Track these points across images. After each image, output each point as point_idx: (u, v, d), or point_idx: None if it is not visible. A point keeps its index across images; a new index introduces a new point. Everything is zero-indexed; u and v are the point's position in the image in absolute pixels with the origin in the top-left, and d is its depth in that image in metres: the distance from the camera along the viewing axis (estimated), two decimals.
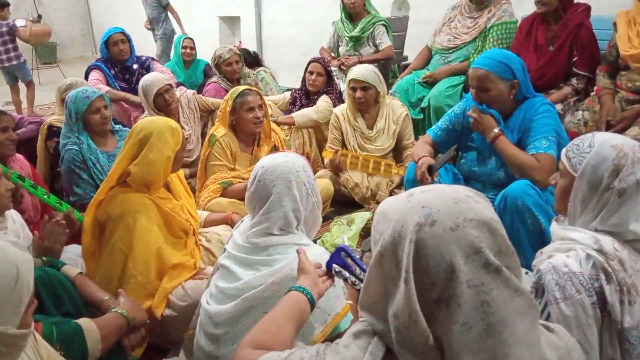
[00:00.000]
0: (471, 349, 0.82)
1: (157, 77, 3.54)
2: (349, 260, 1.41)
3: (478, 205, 0.88)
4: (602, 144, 1.37)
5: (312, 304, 1.32)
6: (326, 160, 3.48)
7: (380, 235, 0.92)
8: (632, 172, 1.32)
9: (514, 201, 2.13)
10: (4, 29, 5.97)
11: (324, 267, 1.46)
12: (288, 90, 4.30)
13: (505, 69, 2.27)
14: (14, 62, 6.06)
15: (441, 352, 0.85)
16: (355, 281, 1.39)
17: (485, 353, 0.81)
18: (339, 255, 1.41)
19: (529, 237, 2.14)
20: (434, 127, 2.71)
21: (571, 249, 1.34)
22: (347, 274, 1.39)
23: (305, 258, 1.42)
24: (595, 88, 3.08)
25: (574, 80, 3.20)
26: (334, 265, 1.41)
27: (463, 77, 3.64)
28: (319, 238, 2.90)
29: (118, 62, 4.22)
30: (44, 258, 1.86)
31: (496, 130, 2.31)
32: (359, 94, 3.29)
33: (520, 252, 2.15)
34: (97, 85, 3.97)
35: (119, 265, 2.01)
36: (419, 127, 3.84)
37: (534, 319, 0.85)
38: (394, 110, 3.43)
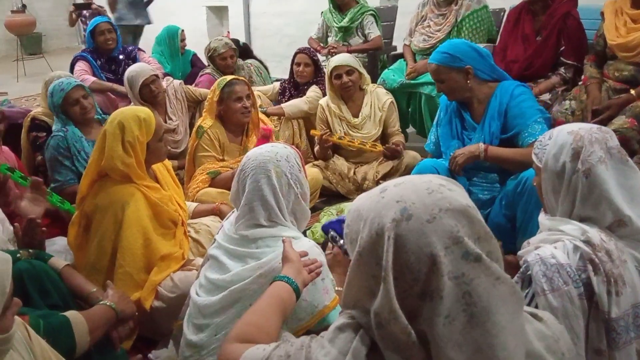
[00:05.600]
0: (456, 341, 0.81)
1: (143, 67, 3.50)
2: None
3: (452, 193, 0.87)
4: (560, 132, 1.42)
5: (298, 293, 1.32)
6: (316, 149, 3.48)
7: (357, 234, 0.90)
8: (592, 151, 1.35)
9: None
10: None
11: (309, 257, 1.45)
12: (277, 80, 4.27)
13: (452, 59, 2.36)
14: None
15: (425, 348, 0.84)
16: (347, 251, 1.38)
17: (470, 345, 0.81)
18: (339, 224, 1.40)
19: None
20: (428, 141, 2.78)
21: (558, 240, 1.35)
22: (341, 242, 1.38)
23: (289, 247, 1.41)
24: (582, 77, 3.10)
25: (562, 70, 3.21)
26: (331, 230, 1.40)
27: None
28: (308, 229, 2.90)
29: (104, 52, 4.18)
30: (30, 250, 1.83)
31: (481, 145, 2.35)
32: (345, 78, 3.33)
33: (527, 237, 2.15)
34: (82, 75, 3.93)
35: (107, 255, 2.00)
36: (416, 117, 3.88)
37: (517, 306, 0.85)
38: (379, 97, 3.45)
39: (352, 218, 0.94)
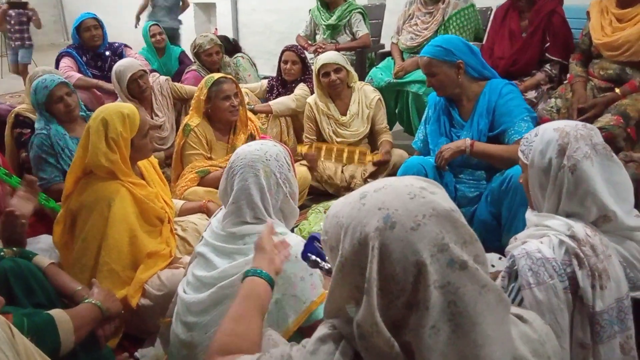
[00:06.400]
0: (441, 352, 0.79)
1: (131, 62, 3.49)
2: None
3: (434, 196, 0.84)
4: (546, 129, 1.44)
5: (271, 283, 1.29)
6: (303, 154, 3.48)
7: (337, 242, 0.87)
8: (578, 147, 1.37)
9: (518, 181, 2.16)
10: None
11: (280, 237, 1.43)
12: (265, 78, 4.26)
13: (445, 52, 2.38)
14: None
15: (409, 358, 0.82)
16: (330, 268, 1.38)
17: (455, 355, 0.79)
18: (312, 243, 1.39)
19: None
20: (416, 138, 2.80)
21: (545, 235, 1.36)
22: (322, 263, 1.38)
23: (266, 234, 1.38)
24: (568, 76, 3.13)
25: (547, 66, 3.24)
26: (309, 255, 1.39)
27: None
28: (296, 226, 2.90)
29: (90, 48, 4.14)
30: (14, 248, 1.81)
31: (467, 140, 2.37)
32: (333, 76, 3.32)
33: (512, 234, 2.16)
34: (68, 72, 3.89)
35: (92, 253, 1.99)
36: (404, 115, 3.88)
37: (504, 313, 0.83)
38: (367, 95, 3.45)
39: (331, 225, 0.90)
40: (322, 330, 0.94)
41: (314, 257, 1.38)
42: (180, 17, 5.99)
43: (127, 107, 2.09)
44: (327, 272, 1.39)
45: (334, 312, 0.92)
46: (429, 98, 2.72)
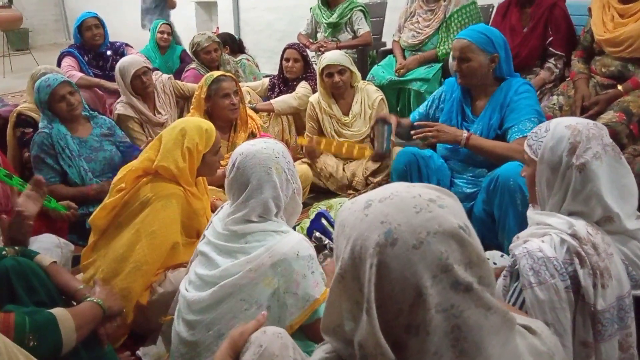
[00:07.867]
0: None
1: (135, 58, 3.51)
2: (329, 227, 1.39)
3: (442, 211, 0.79)
4: (557, 126, 1.43)
5: None
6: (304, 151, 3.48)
7: (341, 252, 0.83)
8: (589, 147, 1.36)
9: (505, 181, 2.16)
10: None
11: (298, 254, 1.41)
12: (266, 76, 4.26)
13: (487, 41, 2.35)
14: None
15: None
16: (333, 247, 1.39)
17: None
18: (319, 220, 1.39)
19: (517, 218, 2.17)
20: (415, 111, 2.78)
21: (546, 233, 1.36)
22: (326, 240, 1.37)
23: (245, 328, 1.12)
24: (570, 73, 3.12)
25: (551, 61, 3.22)
26: (314, 232, 1.39)
27: (439, 64, 3.67)
28: (298, 224, 2.89)
29: (91, 48, 4.15)
30: (16, 247, 1.81)
31: (465, 133, 2.35)
32: (337, 78, 3.29)
33: (506, 233, 2.19)
34: (69, 71, 3.90)
35: (133, 247, 1.98)
36: (405, 113, 3.86)
37: (509, 332, 0.80)
38: (369, 95, 3.43)
39: (338, 233, 0.86)
40: (318, 354, 0.90)
41: (318, 234, 1.37)
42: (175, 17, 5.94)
43: (206, 123, 2.13)
44: (330, 249, 1.37)
45: (332, 326, 0.88)
46: (446, 81, 2.68)
